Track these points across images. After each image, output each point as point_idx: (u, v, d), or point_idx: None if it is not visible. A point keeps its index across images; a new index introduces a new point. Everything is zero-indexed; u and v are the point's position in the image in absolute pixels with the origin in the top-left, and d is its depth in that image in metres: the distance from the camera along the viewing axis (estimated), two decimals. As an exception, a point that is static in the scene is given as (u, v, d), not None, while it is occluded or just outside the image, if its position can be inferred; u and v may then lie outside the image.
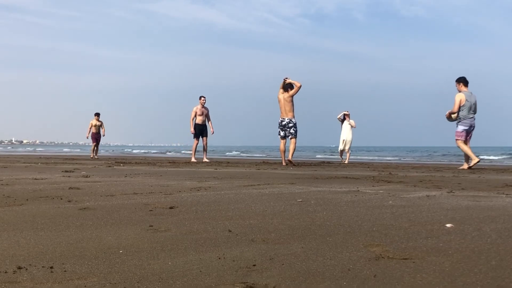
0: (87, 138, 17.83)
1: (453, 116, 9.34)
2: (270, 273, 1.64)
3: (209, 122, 13.54)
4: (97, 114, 17.89)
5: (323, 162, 14.40)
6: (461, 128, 9.27)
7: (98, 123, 17.79)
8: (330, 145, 14.86)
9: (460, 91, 9.30)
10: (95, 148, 17.74)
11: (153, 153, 36.70)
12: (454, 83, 9.47)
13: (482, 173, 7.91)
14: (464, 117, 9.22)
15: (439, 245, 2.05)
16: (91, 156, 17.33)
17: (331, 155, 27.23)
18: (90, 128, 17.66)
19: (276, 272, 1.65)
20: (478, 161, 9.25)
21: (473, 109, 9.21)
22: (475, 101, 9.25)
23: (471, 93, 9.29)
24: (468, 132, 9.29)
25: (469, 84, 9.39)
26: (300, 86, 10.58)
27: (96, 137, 17.72)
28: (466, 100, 9.16)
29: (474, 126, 9.29)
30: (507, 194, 4.10)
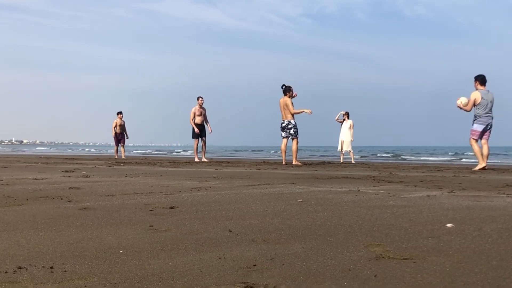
0: (114, 137, 17.03)
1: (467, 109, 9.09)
2: (270, 273, 1.63)
3: (207, 123, 13.64)
4: (120, 113, 16.94)
5: (324, 162, 14.40)
6: (476, 126, 9.04)
7: (122, 122, 16.91)
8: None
9: (476, 89, 9.10)
10: (122, 148, 16.97)
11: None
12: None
13: (483, 173, 7.91)
14: (480, 115, 8.99)
15: (439, 245, 2.05)
16: (116, 156, 16.73)
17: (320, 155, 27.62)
18: (115, 127, 16.82)
19: (276, 272, 1.65)
20: (484, 167, 8.97)
21: (490, 107, 8.99)
22: (492, 99, 9.02)
23: (488, 91, 9.06)
24: (484, 131, 9.04)
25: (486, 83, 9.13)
26: (294, 114, 10.92)
27: (120, 138, 16.92)
28: (482, 98, 8.93)
29: (491, 125, 9.04)
30: (507, 194, 4.10)
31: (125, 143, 17.31)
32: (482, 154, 9.11)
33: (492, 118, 9.07)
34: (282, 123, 11.05)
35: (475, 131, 9.08)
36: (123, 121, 17.10)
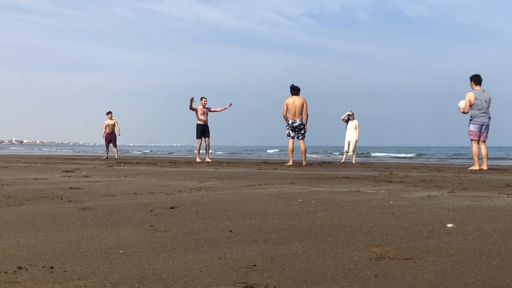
0: (103, 138, 17.14)
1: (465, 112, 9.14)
2: (270, 273, 1.63)
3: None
4: (109, 113, 17.07)
5: (324, 162, 14.40)
6: (472, 127, 9.06)
7: (111, 122, 17.02)
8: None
9: (472, 89, 9.10)
10: (114, 148, 17.06)
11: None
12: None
13: (483, 173, 7.91)
14: (475, 115, 9.00)
15: (440, 245, 2.05)
16: (105, 157, 16.85)
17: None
18: (105, 127, 16.96)
19: (276, 272, 1.64)
20: (478, 170, 8.96)
21: (485, 107, 8.97)
22: (488, 99, 8.99)
23: (483, 90, 9.04)
24: (481, 132, 9.05)
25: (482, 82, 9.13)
26: (307, 115, 10.91)
27: (110, 138, 16.97)
28: (476, 98, 8.92)
29: (487, 125, 9.03)
30: (508, 194, 4.09)
31: (117, 143, 17.32)
32: (481, 155, 9.15)
33: (489, 118, 9.04)
34: (294, 122, 10.82)
35: (471, 131, 9.12)
36: (113, 120, 17.14)
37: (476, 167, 9.10)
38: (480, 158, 9.22)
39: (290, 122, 10.88)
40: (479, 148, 9.15)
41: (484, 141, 9.13)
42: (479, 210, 3.08)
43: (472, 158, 9.41)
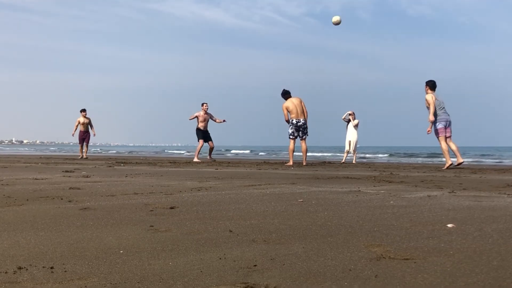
0: (73, 136, 16.54)
1: (431, 116, 9.62)
2: (271, 273, 1.63)
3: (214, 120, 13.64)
4: (84, 110, 16.46)
5: (324, 162, 14.40)
6: (439, 125, 9.51)
7: (85, 120, 16.44)
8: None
9: (427, 93, 9.67)
10: (85, 148, 16.52)
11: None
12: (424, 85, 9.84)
13: (484, 173, 7.91)
14: (439, 114, 9.51)
15: (440, 245, 2.05)
16: (80, 156, 16.37)
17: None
18: (77, 126, 16.34)
19: (277, 272, 1.64)
20: (450, 165, 9.37)
21: (443, 106, 9.54)
22: (443, 101, 9.59)
23: (437, 94, 9.67)
24: (446, 128, 9.51)
25: (437, 88, 9.75)
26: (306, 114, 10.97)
27: (84, 136, 16.41)
28: (436, 99, 9.51)
29: (450, 121, 9.52)
30: (508, 194, 4.09)
31: (89, 143, 16.81)
32: (454, 151, 9.52)
33: (449, 115, 9.54)
34: (298, 122, 10.80)
35: (440, 129, 9.51)
36: (88, 119, 16.58)
37: (449, 162, 9.48)
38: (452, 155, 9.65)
39: (294, 121, 10.83)
40: (448, 146, 9.53)
41: (450, 137, 9.51)
42: (480, 210, 3.08)
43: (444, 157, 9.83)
